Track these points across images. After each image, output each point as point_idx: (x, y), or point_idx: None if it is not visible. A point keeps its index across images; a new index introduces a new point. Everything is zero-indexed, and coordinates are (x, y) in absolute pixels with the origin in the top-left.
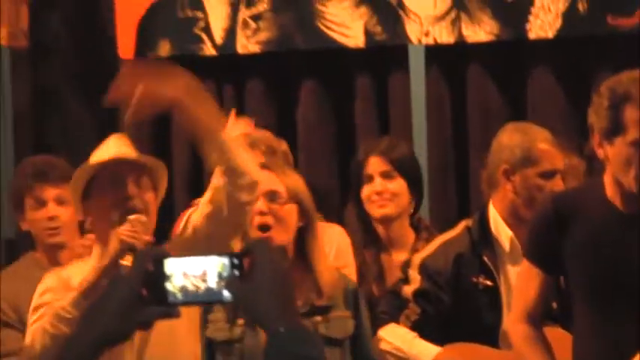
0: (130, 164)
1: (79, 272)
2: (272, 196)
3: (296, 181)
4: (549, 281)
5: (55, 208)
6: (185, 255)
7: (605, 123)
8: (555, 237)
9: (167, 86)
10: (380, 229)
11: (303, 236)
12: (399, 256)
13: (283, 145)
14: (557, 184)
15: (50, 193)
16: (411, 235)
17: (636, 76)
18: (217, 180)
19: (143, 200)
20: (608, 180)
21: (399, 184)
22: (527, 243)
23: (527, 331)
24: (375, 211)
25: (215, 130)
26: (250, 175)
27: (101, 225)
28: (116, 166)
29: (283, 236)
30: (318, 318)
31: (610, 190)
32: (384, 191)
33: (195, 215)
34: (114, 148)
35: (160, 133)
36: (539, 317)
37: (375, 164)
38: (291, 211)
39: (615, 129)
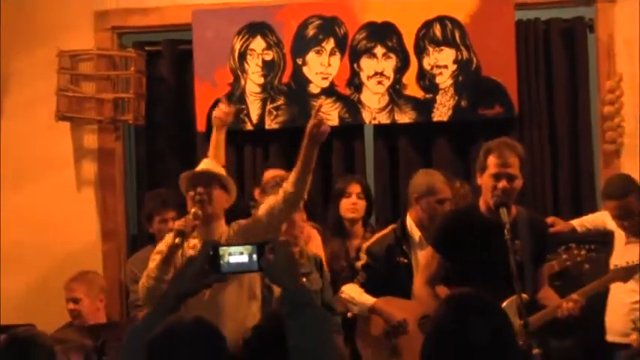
0: (209, 174)
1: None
2: None
3: None
4: (443, 261)
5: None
6: (250, 227)
7: (480, 164)
8: (445, 238)
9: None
10: (347, 226)
11: None
12: (355, 243)
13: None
14: (446, 207)
15: (169, 214)
16: (361, 230)
17: (498, 140)
18: (289, 187)
19: (209, 193)
20: (482, 200)
21: (363, 202)
22: (433, 238)
23: (429, 290)
24: (349, 215)
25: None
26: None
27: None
28: (201, 175)
29: None
30: (304, 279)
31: (482, 206)
32: (357, 203)
33: (272, 199)
34: (203, 165)
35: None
36: (436, 282)
37: (354, 187)
38: None
39: (483, 168)
